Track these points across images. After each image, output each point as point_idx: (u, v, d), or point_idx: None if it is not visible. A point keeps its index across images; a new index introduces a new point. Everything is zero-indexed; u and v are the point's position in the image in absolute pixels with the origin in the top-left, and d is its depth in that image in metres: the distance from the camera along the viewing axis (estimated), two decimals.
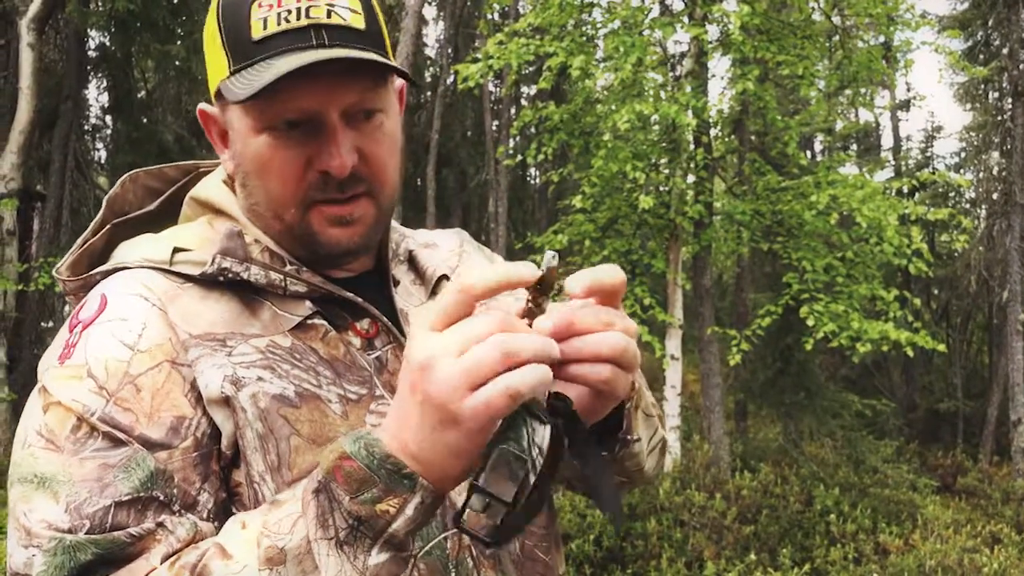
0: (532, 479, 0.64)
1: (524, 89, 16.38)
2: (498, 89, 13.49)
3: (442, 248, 1.06)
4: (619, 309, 0.73)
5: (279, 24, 0.78)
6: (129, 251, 0.89)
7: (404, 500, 0.68)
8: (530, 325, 0.67)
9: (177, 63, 10.10)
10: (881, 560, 7.11)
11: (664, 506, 7.50)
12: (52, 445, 0.75)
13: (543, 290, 0.68)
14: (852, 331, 6.99)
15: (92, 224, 0.95)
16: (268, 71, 0.77)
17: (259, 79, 0.77)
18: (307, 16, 0.78)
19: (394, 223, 1.01)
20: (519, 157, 8.98)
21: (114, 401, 0.76)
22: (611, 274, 0.71)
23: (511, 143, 13.53)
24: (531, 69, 12.44)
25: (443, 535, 0.85)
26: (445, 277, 1.01)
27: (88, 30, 9.51)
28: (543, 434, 0.64)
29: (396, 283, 0.97)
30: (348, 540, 0.68)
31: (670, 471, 8.02)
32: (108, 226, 0.94)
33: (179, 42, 9.51)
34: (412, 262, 1.02)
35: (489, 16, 11.21)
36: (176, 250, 0.86)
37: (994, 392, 12.28)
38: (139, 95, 11.17)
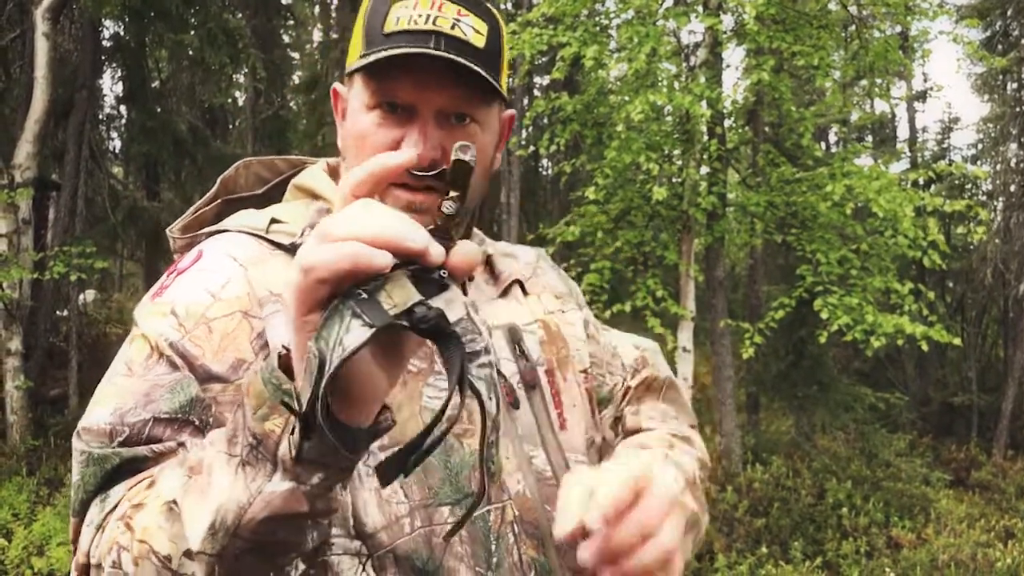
0: (325, 379, 0.55)
1: (537, 79, 16.31)
2: (511, 79, 13.46)
3: (520, 259, 1.13)
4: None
5: (408, 24, 0.89)
6: (234, 219, 1.00)
7: (287, 420, 0.64)
8: (443, 227, 0.61)
9: (191, 52, 10.11)
10: (893, 554, 7.09)
11: None
12: (128, 371, 0.86)
13: (453, 186, 0.61)
14: (866, 324, 6.94)
15: (205, 197, 1.07)
16: (381, 55, 0.88)
17: (371, 59, 0.89)
18: (433, 24, 0.89)
19: (476, 230, 1.10)
20: (531, 148, 8.95)
21: (188, 336, 0.86)
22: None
23: (523, 133, 13.50)
24: (544, 59, 12.37)
25: (486, 508, 0.89)
26: (517, 282, 1.08)
27: (102, 19, 9.54)
28: (356, 335, 0.55)
29: (470, 278, 1.02)
30: (250, 460, 0.66)
31: None
32: (219, 200, 1.07)
33: (192, 32, 9.52)
34: (488, 264, 1.09)
35: (502, 6, 11.16)
36: (273, 220, 0.97)
37: (1009, 386, 12.18)
38: (153, 85, 11.19)
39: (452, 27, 0.89)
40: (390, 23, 0.90)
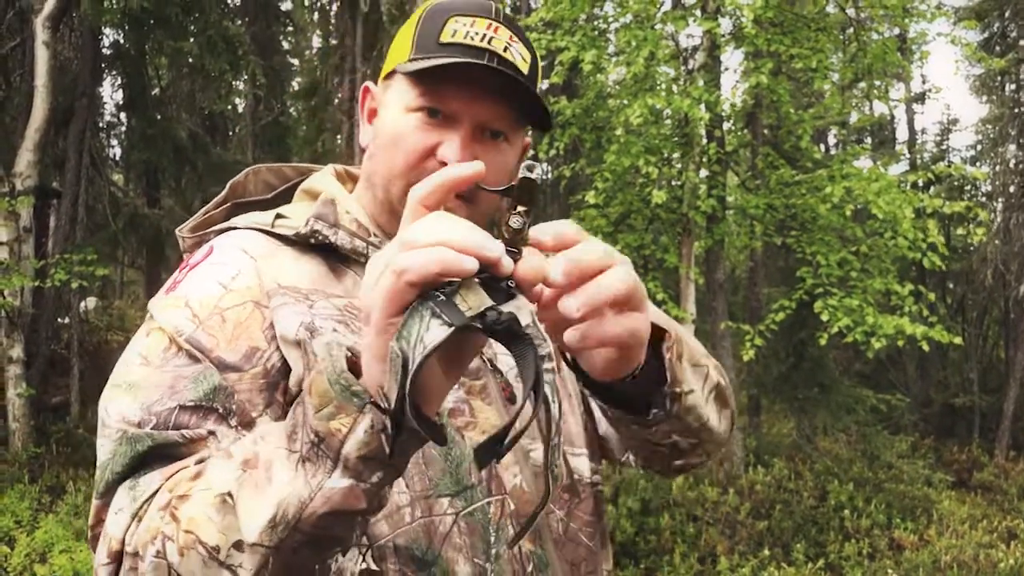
0: (410, 376, 0.59)
1: None
2: None
3: None
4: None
5: (465, 38, 0.92)
6: (242, 218, 1.03)
7: (355, 420, 0.66)
8: (511, 240, 0.65)
9: (191, 60, 10.13)
10: (896, 556, 7.08)
11: (677, 501, 7.50)
12: (146, 361, 0.88)
13: (520, 202, 0.65)
14: (867, 326, 6.95)
15: (214, 200, 1.10)
16: (440, 61, 0.91)
17: (430, 63, 0.92)
18: (488, 43, 0.93)
19: None
20: (531, 152, 8.97)
21: (202, 327, 0.88)
22: (572, 231, 0.69)
23: None
24: (543, 64, 12.37)
25: (486, 500, 0.91)
26: None
27: (102, 27, 9.56)
28: (436, 333, 0.59)
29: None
30: (310, 457, 0.69)
31: None
32: (229, 204, 1.10)
33: (192, 39, 9.54)
34: None
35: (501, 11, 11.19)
36: (278, 216, 1.00)
37: (1010, 387, 12.18)
38: (153, 92, 11.21)
39: (504, 50, 0.93)
40: (446, 34, 0.93)
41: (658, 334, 0.85)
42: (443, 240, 0.61)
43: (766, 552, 6.72)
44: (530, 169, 0.64)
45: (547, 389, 0.62)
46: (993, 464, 11.33)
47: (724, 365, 8.61)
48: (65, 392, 9.14)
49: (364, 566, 0.85)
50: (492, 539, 0.90)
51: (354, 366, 0.69)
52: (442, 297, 0.60)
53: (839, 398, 9.77)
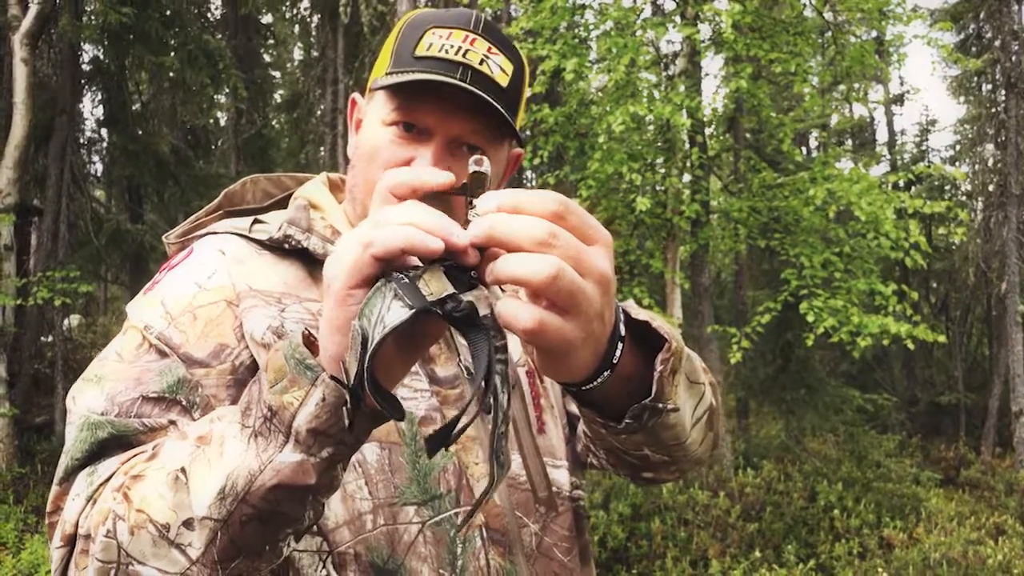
0: (368, 354, 0.59)
1: None
2: None
3: None
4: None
5: (439, 52, 0.92)
6: (222, 223, 1.04)
7: (307, 393, 0.67)
8: None
9: (171, 74, 10.10)
10: (886, 554, 7.11)
11: (668, 505, 7.50)
12: (119, 357, 0.89)
13: (473, 195, 0.66)
14: (852, 326, 6.99)
15: (207, 207, 1.10)
16: (410, 76, 0.91)
17: (400, 79, 0.91)
18: (463, 56, 0.92)
19: None
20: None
21: (174, 324, 0.90)
22: (538, 201, 0.61)
23: None
24: None
25: (454, 510, 0.89)
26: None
27: (82, 43, 9.52)
28: (397, 314, 0.59)
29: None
30: (262, 431, 0.69)
31: None
32: (222, 211, 1.10)
33: (172, 53, 9.51)
34: None
35: None
36: (256, 220, 1.01)
37: (995, 384, 12.29)
38: (134, 107, 11.15)
39: (480, 63, 0.92)
40: (422, 47, 0.93)
41: (656, 342, 0.78)
42: (413, 221, 0.62)
43: (757, 554, 6.73)
44: (478, 163, 0.65)
45: (497, 379, 0.63)
46: (979, 461, 11.42)
47: (711, 368, 8.65)
48: (49, 411, 9.05)
49: (324, 573, 0.84)
50: (459, 550, 0.89)
51: (311, 344, 0.70)
52: (406, 280, 0.61)
53: (826, 399, 9.82)
